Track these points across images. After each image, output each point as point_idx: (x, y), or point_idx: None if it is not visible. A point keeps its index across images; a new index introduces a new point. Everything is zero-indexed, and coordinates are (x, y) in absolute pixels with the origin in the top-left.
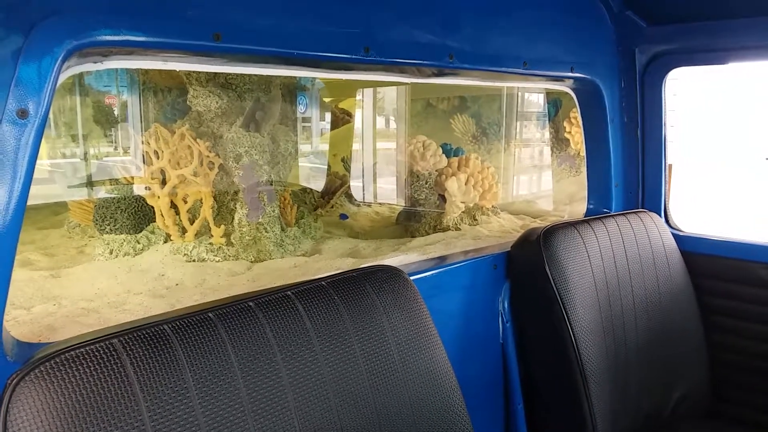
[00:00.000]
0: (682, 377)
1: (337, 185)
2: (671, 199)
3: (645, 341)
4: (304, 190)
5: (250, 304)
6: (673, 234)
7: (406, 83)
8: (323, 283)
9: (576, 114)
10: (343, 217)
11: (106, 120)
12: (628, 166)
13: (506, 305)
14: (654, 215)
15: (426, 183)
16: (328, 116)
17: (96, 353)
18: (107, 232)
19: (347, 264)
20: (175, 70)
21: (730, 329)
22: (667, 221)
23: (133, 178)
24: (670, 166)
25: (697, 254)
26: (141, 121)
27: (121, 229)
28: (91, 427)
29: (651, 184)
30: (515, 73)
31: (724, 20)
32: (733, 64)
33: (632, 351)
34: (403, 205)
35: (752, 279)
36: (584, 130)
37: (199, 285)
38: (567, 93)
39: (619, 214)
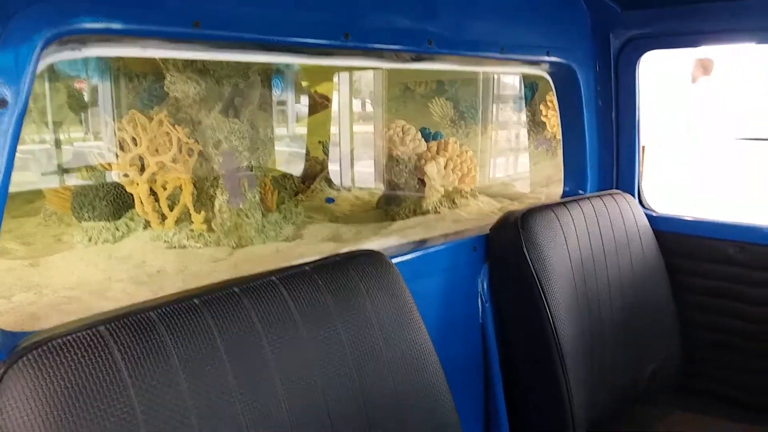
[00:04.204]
0: (655, 353)
1: (317, 170)
2: (644, 179)
3: (620, 319)
4: (284, 175)
5: (235, 290)
6: (646, 214)
7: (385, 68)
8: (307, 268)
9: (552, 97)
10: (329, 200)
11: (81, 106)
12: (602, 148)
13: (485, 286)
14: (628, 196)
15: (405, 167)
16: (306, 101)
17: (83, 341)
18: (86, 220)
19: (329, 248)
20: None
21: (701, 306)
22: (640, 202)
23: (110, 164)
24: (643, 147)
25: (670, 233)
26: (117, 108)
27: (100, 217)
28: (81, 414)
29: (625, 165)
30: (493, 57)
31: (696, 4)
32: (705, 47)
33: (607, 328)
34: (383, 189)
35: (721, 257)
36: (560, 113)
37: (180, 271)
38: (543, 77)
39: (594, 196)
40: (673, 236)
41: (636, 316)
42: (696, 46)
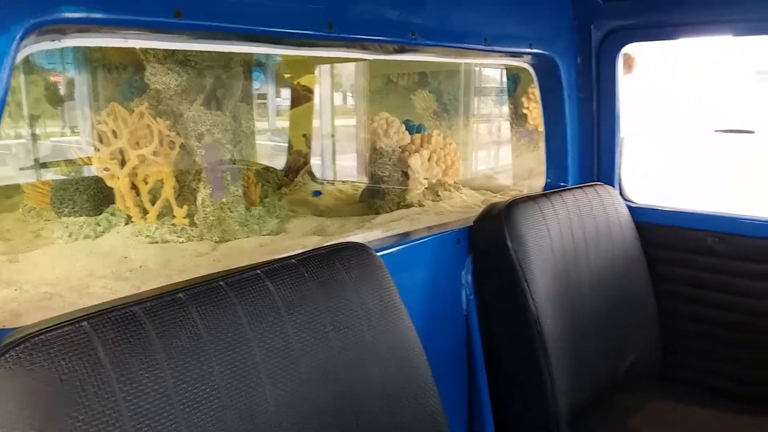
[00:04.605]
0: (636, 342)
1: (300, 163)
2: (624, 171)
3: (601, 308)
4: (267, 168)
5: (221, 283)
6: (627, 205)
7: (368, 60)
8: (292, 261)
9: (534, 90)
10: (317, 193)
11: (58, 99)
12: (584, 140)
13: (469, 278)
14: (609, 187)
15: (389, 160)
16: (288, 93)
17: (66, 336)
18: (66, 215)
19: (313, 242)
20: (130, 47)
21: (681, 296)
22: (621, 193)
23: (90, 158)
24: (623, 139)
25: (649, 224)
26: (96, 100)
27: (81, 212)
28: (65, 410)
29: (606, 157)
30: (476, 49)
31: None
32: (684, 39)
33: (589, 318)
34: (366, 182)
35: (701, 247)
36: (542, 105)
37: (163, 266)
38: (525, 69)
39: (575, 188)
40: (654, 227)
41: (617, 306)
42: (675, 38)
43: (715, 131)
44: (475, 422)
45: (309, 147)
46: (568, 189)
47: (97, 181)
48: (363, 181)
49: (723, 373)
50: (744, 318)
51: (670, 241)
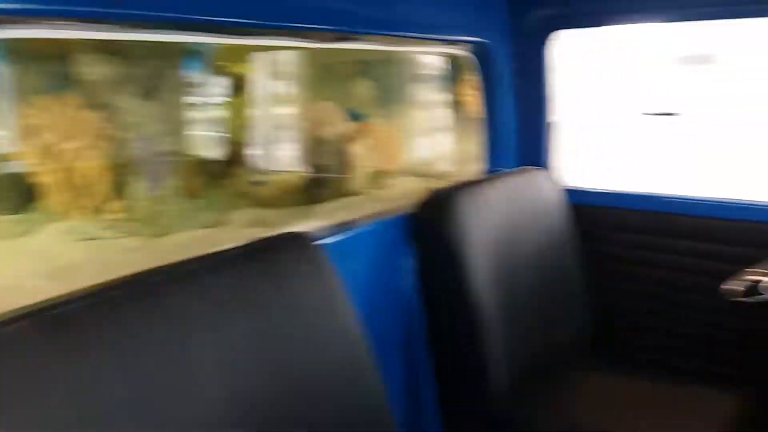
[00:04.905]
0: (570, 318)
1: (240, 154)
2: (558, 155)
3: (537, 289)
4: (206, 159)
5: (158, 278)
6: (560, 188)
7: (308, 48)
8: (231, 253)
9: (472, 77)
10: (259, 183)
11: None
12: (520, 126)
13: (412, 263)
14: (543, 171)
15: (331, 149)
16: (226, 82)
17: (1, 338)
18: None
19: (254, 233)
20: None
21: (612, 273)
22: (554, 176)
23: (15, 153)
24: (556, 123)
25: (582, 205)
26: (22, 93)
27: (5, 209)
28: (3, 414)
29: (540, 142)
30: (413, 37)
31: None
32: (615, 25)
33: (525, 298)
34: (309, 171)
35: (630, 226)
36: (479, 92)
37: (95, 263)
38: (463, 56)
39: (512, 172)
40: (586, 208)
41: (552, 284)
42: (607, 25)
43: (643, 114)
44: (421, 404)
45: (248, 137)
46: (506, 174)
47: (23, 176)
48: (304, 170)
49: (655, 347)
50: (673, 293)
51: (601, 221)
